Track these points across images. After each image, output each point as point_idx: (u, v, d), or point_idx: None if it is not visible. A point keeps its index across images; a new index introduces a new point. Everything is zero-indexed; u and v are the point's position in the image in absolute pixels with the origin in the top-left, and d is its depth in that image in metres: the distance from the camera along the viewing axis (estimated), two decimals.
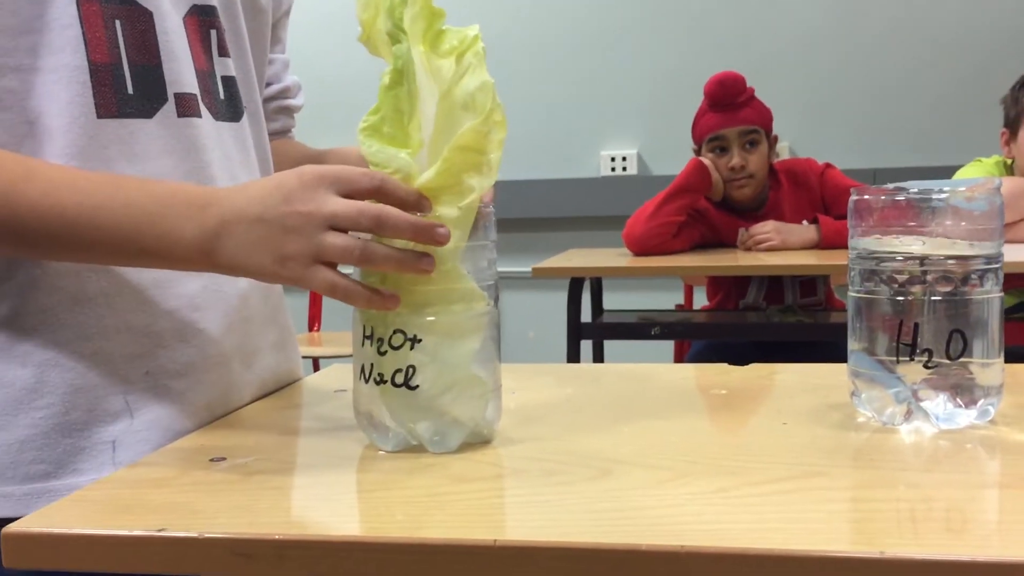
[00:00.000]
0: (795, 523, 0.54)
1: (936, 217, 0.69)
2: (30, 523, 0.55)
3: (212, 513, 0.57)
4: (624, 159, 3.45)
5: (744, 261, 2.31)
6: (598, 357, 2.60)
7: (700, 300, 2.79)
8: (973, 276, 0.68)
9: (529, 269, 2.35)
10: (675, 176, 2.47)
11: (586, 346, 2.46)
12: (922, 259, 0.68)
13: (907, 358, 0.69)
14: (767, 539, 0.51)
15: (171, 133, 0.75)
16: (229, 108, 0.83)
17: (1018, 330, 2.29)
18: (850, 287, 0.73)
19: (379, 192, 0.65)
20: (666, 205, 2.40)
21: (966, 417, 0.70)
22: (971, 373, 0.69)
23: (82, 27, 0.71)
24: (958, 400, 0.69)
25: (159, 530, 0.53)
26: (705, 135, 2.46)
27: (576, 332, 2.31)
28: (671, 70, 3.33)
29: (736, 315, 2.47)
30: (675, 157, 2.59)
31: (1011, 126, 2.40)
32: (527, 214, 3.36)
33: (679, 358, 2.74)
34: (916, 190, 0.70)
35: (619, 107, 3.43)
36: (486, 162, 0.65)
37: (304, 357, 3.45)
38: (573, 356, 2.33)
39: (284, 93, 0.99)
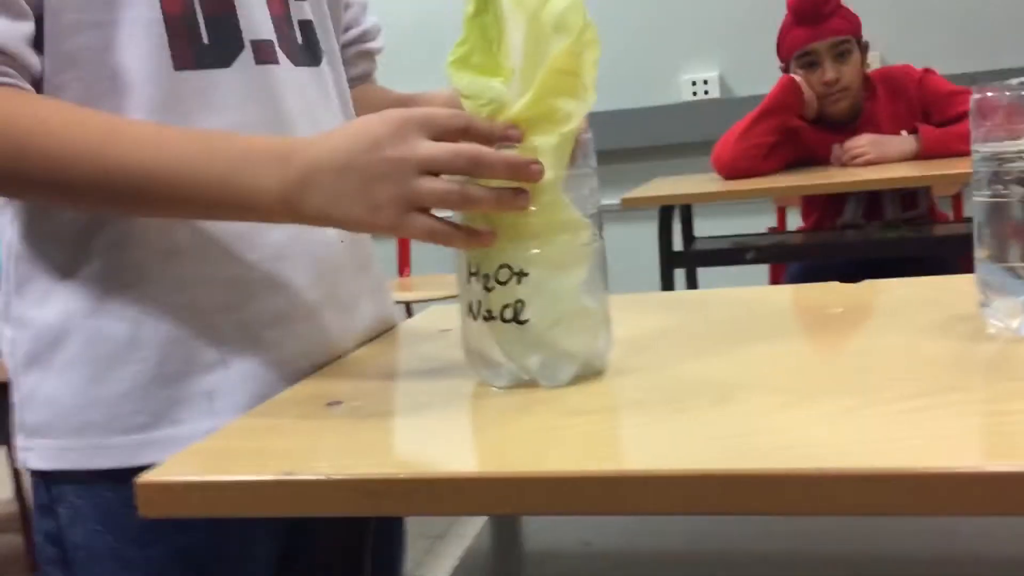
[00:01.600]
0: (931, 440, 0.52)
1: None
2: (163, 472, 0.56)
3: (336, 455, 0.57)
4: (706, 82, 3.35)
5: (839, 178, 2.23)
6: (691, 286, 2.56)
7: (794, 223, 2.71)
8: None
9: (617, 201, 2.32)
10: (760, 98, 2.38)
11: (680, 275, 2.43)
12: None
13: None
14: (902, 458, 0.49)
15: (250, 81, 0.75)
16: (307, 52, 0.82)
17: None
18: (975, 192, 0.69)
19: (467, 132, 0.63)
20: (756, 126, 2.33)
21: None
22: None
23: None
24: None
25: (287, 473, 0.53)
26: (793, 51, 2.36)
27: (669, 261, 2.28)
28: None
29: (834, 234, 2.40)
30: (759, 78, 2.51)
31: None
32: (609, 145, 3.30)
33: (776, 282, 2.68)
34: None
35: (697, 28, 3.33)
36: (582, 84, 0.63)
37: (397, 302, 3.50)
38: (667, 286, 2.30)
39: (363, 36, 0.97)
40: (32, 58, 0.68)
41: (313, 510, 0.54)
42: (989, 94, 0.67)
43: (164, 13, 0.71)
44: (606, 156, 3.32)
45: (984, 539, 0.86)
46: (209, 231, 0.73)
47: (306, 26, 0.82)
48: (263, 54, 0.76)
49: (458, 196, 0.63)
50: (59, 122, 0.66)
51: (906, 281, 0.91)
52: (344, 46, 0.93)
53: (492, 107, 0.63)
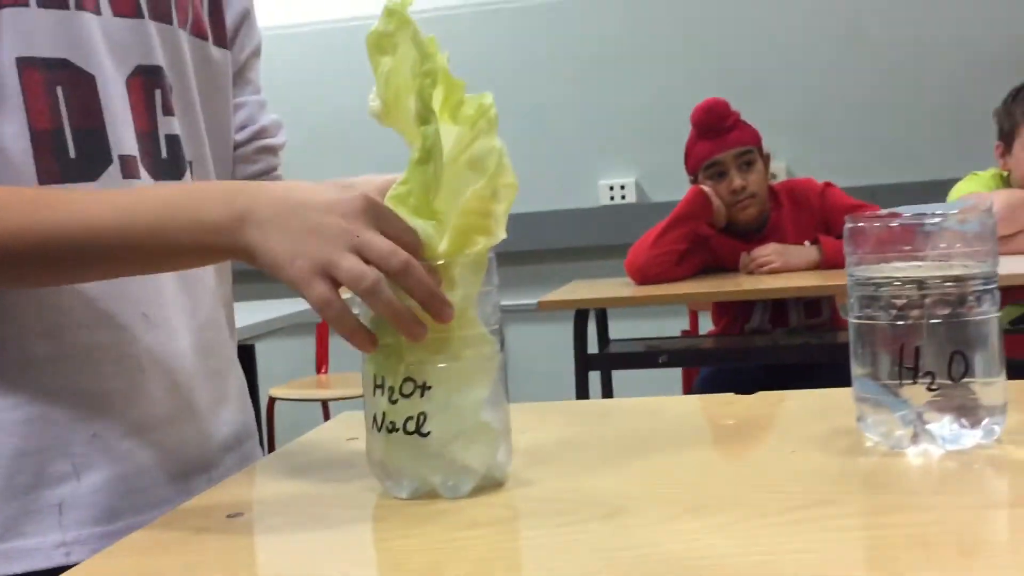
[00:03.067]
0: (808, 552, 0.55)
1: (931, 241, 0.70)
2: None
3: (236, 569, 0.57)
4: (623, 187, 3.47)
5: (747, 285, 2.32)
6: (607, 386, 2.60)
7: (706, 324, 2.80)
8: (970, 297, 0.69)
9: (533, 302, 2.37)
10: (674, 203, 2.49)
11: (595, 376, 2.47)
12: (919, 283, 0.69)
13: (910, 381, 0.70)
14: (781, 571, 0.52)
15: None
16: (171, 166, 0.83)
17: (1021, 343, 2.29)
18: (850, 313, 0.74)
19: (412, 248, 0.65)
20: (668, 234, 2.42)
21: (972, 438, 0.70)
22: (974, 393, 0.70)
23: (24, 95, 0.73)
24: (963, 421, 0.70)
25: None
26: (701, 163, 2.48)
27: (584, 364, 2.32)
28: (665, 97, 3.36)
29: (742, 339, 2.48)
30: (673, 184, 2.62)
31: (1005, 139, 2.42)
32: (528, 247, 3.38)
33: (688, 383, 2.75)
34: (910, 215, 0.71)
35: (615, 136, 3.46)
36: (492, 222, 0.66)
37: (313, 400, 3.46)
38: (582, 387, 2.33)
39: (262, 133, 0.99)
40: None
41: None
42: (861, 223, 0.73)
43: (31, 130, 0.73)
44: (526, 256, 3.42)
45: None
46: (70, 342, 0.74)
47: (172, 140, 0.84)
48: (129, 169, 0.78)
49: (369, 283, 0.63)
50: None
51: (796, 394, 0.95)
52: (243, 143, 0.95)
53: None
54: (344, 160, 3.39)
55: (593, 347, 2.47)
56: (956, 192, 2.47)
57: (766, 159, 2.52)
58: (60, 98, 0.74)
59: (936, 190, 2.55)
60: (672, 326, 3.05)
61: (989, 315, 0.70)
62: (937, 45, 3.23)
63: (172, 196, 0.70)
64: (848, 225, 0.74)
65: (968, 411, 0.70)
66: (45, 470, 0.72)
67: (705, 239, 2.50)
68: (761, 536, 0.57)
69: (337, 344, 3.41)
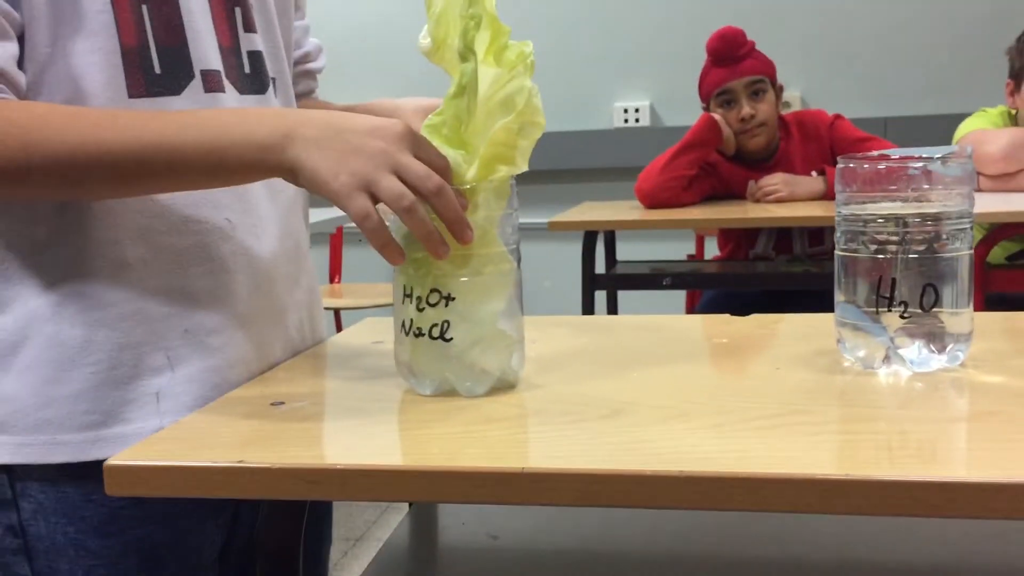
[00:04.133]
0: (781, 452, 0.63)
1: (913, 182, 0.77)
2: (128, 456, 0.65)
3: (280, 447, 0.66)
4: (637, 111, 3.50)
5: (753, 213, 2.39)
6: (612, 306, 2.69)
7: (712, 249, 2.87)
8: (944, 235, 0.76)
9: (545, 221, 2.43)
10: (688, 128, 2.53)
11: (601, 295, 2.55)
12: (899, 220, 0.76)
13: (886, 309, 0.77)
14: (755, 466, 0.60)
15: (199, 108, 0.81)
16: (255, 81, 0.88)
17: (1020, 277, 2.36)
18: (837, 246, 0.81)
19: (442, 172, 0.72)
20: (677, 159, 2.47)
21: (938, 361, 0.78)
22: (942, 322, 0.77)
23: (114, 12, 0.77)
24: (931, 346, 0.78)
25: (238, 462, 0.62)
26: (712, 90, 2.52)
27: (590, 283, 2.40)
28: (681, 21, 3.36)
29: (746, 265, 2.55)
30: (687, 109, 2.65)
31: (1016, 77, 2.45)
32: (542, 166, 3.40)
33: (691, 306, 2.83)
34: (896, 157, 0.78)
35: (631, 59, 3.48)
36: (516, 153, 0.73)
37: (325, 308, 3.54)
38: (588, 306, 2.42)
39: (305, 58, 1.05)
40: (19, 76, 0.75)
41: (260, 493, 0.63)
42: (851, 164, 0.80)
43: (121, 45, 0.78)
44: (539, 176, 3.46)
45: (886, 543, 0.98)
46: (160, 245, 0.80)
47: (255, 56, 0.89)
48: (211, 83, 0.83)
49: (408, 203, 0.70)
50: (57, 117, 0.73)
51: (786, 317, 1.03)
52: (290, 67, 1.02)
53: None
54: (366, 78, 3.43)
55: (601, 267, 2.55)
56: (964, 128, 2.51)
57: (778, 90, 2.55)
58: (145, 15, 0.79)
59: (947, 123, 2.59)
60: (679, 249, 3.12)
61: (960, 252, 0.77)
62: None
63: (224, 117, 0.76)
64: (839, 165, 0.80)
65: (936, 338, 0.78)
66: (143, 362, 0.79)
67: (714, 166, 2.55)
68: (740, 437, 0.66)
69: (349, 255, 3.50)
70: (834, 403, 0.75)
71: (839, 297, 0.82)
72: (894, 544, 0.96)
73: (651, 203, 2.48)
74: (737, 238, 2.60)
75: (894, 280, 0.77)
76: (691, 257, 3.01)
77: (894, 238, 0.77)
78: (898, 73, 3.29)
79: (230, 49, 0.86)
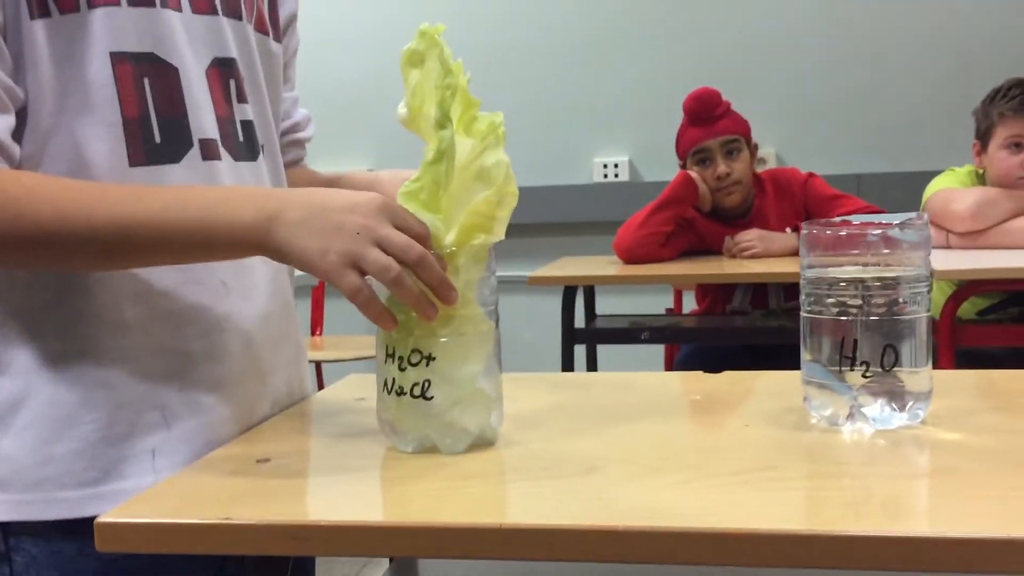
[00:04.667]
0: (749, 506, 0.66)
1: (872, 248, 0.81)
2: (118, 514, 0.67)
3: (266, 504, 0.68)
4: (616, 166, 3.57)
5: (729, 268, 2.43)
6: (591, 360, 2.72)
7: (690, 303, 2.91)
8: (902, 299, 0.80)
9: (525, 275, 2.47)
10: (666, 183, 2.59)
11: (581, 349, 2.58)
12: (859, 284, 0.80)
13: (848, 368, 0.81)
14: (723, 519, 0.63)
15: (196, 175, 0.85)
16: (247, 148, 0.92)
17: (989, 332, 2.41)
18: (802, 308, 0.85)
19: (421, 239, 0.75)
20: (655, 216, 2.52)
21: (899, 419, 0.82)
22: (902, 381, 0.81)
23: (116, 86, 0.81)
24: (892, 404, 0.81)
25: (225, 518, 0.64)
26: (689, 149, 2.58)
27: (570, 337, 2.43)
28: (661, 80, 3.45)
29: (723, 319, 2.59)
30: (666, 164, 2.71)
31: (982, 138, 2.52)
32: (522, 220, 3.44)
33: (670, 359, 2.87)
34: (858, 223, 0.82)
35: (611, 115, 3.55)
36: (494, 224, 0.77)
37: (308, 361, 3.55)
38: (568, 360, 2.45)
39: (294, 128, 1.09)
40: (13, 148, 0.78)
41: (247, 549, 0.65)
42: (814, 230, 0.84)
43: (123, 116, 0.81)
44: (519, 229, 3.48)
45: None
46: (158, 306, 0.83)
47: (247, 125, 0.93)
48: (208, 151, 0.87)
49: (394, 274, 0.74)
50: (47, 189, 0.76)
51: (757, 374, 1.06)
52: (279, 135, 1.05)
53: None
54: (348, 139, 3.48)
55: (581, 321, 2.58)
56: (933, 186, 2.58)
57: (753, 149, 2.62)
58: (147, 88, 0.82)
59: (918, 181, 2.66)
60: (658, 303, 3.16)
61: (919, 314, 0.81)
62: (927, 40, 3.32)
63: (209, 197, 0.79)
64: (804, 231, 0.84)
65: (896, 396, 0.81)
66: (139, 420, 0.82)
67: (691, 222, 2.61)
68: (710, 492, 0.69)
69: (331, 308, 3.52)
70: (801, 459, 0.78)
71: (805, 356, 0.85)
72: None
73: (629, 258, 2.53)
74: (714, 293, 2.65)
75: (856, 341, 0.80)
76: (669, 311, 3.05)
77: (855, 300, 0.80)
78: (871, 132, 3.38)
79: (226, 119, 0.90)
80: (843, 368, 0.81)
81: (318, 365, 3.33)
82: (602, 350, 2.76)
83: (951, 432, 0.81)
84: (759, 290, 2.58)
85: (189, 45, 0.86)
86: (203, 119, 0.87)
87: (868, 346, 0.80)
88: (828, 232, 0.83)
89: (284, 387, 0.96)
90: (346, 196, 0.77)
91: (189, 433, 0.83)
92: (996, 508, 0.64)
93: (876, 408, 0.81)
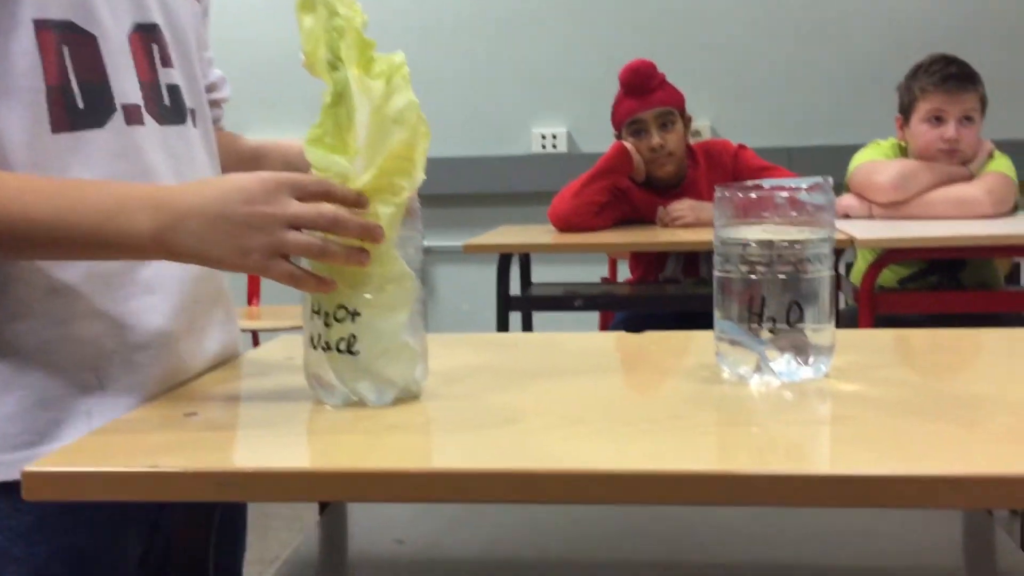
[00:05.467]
0: (661, 451, 0.70)
1: (779, 210, 0.85)
2: (46, 463, 0.68)
3: (193, 453, 0.70)
4: (555, 136, 3.60)
5: (662, 237, 2.49)
6: (527, 328, 2.75)
7: (624, 273, 2.96)
8: (807, 258, 0.84)
9: (461, 244, 2.50)
10: (603, 154, 2.63)
11: (516, 318, 2.62)
12: (767, 244, 0.84)
13: (756, 325, 0.85)
14: (633, 463, 0.67)
15: (120, 140, 0.86)
16: (174, 112, 0.93)
17: (909, 299, 2.51)
18: (715, 268, 0.89)
19: (328, 196, 0.77)
20: (589, 185, 2.56)
21: (804, 372, 0.86)
22: (806, 336, 0.85)
23: (40, 54, 0.81)
24: (797, 359, 0.86)
25: (152, 466, 0.66)
26: (624, 120, 2.62)
27: (505, 304, 2.46)
28: (599, 52, 3.48)
29: (655, 287, 2.65)
30: (604, 136, 2.74)
31: (904, 112, 2.60)
32: (460, 190, 3.49)
33: (604, 327, 2.92)
34: (767, 187, 0.86)
35: (549, 86, 3.57)
36: (413, 167, 0.79)
37: (244, 330, 3.55)
38: (503, 328, 2.48)
39: (211, 88, 1.09)
40: None
41: (172, 496, 0.67)
42: (726, 193, 0.87)
43: (46, 84, 0.82)
44: (457, 199, 3.55)
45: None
46: (88, 270, 0.84)
47: (173, 90, 0.93)
48: (132, 116, 0.87)
49: (318, 249, 0.76)
50: None
51: (675, 334, 1.11)
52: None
53: (339, 179, 0.79)
54: (278, 105, 3.45)
55: (517, 290, 2.62)
56: (857, 158, 2.66)
57: (687, 120, 2.67)
58: (66, 56, 0.83)
59: (846, 153, 2.73)
60: (594, 273, 3.21)
61: (822, 273, 0.85)
62: (857, 17, 3.41)
63: (108, 204, 0.79)
64: (716, 195, 0.88)
65: (801, 351, 0.86)
66: (73, 383, 0.83)
67: (625, 192, 2.65)
68: (624, 439, 0.72)
69: (267, 280, 3.51)
70: (711, 409, 0.82)
71: (717, 314, 0.89)
72: (766, 542, 1.03)
73: (564, 227, 2.56)
74: (647, 262, 2.70)
75: (763, 298, 0.85)
76: (605, 280, 3.10)
77: (763, 260, 0.84)
78: (801, 106, 3.46)
79: (150, 84, 0.90)
80: (752, 324, 0.85)
81: (255, 334, 3.32)
82: (537, 319, 2.79)
83: (851, 384, 0.86)
84: (691, 259, 2.64)
85: (110, 12, 0.86)
86: (125, 85, 0.87)
87: (775, 303, 0.85)
88: (739, 194, 0.86)
89: (218, 347, 0.98)
90: (241, 187, 0.77)
91: (123, 392, 0.85)
92: (888, 450, 0.69)
93: (782, 362, 0.86)
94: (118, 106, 0.86)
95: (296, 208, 0.76)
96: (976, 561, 1.03)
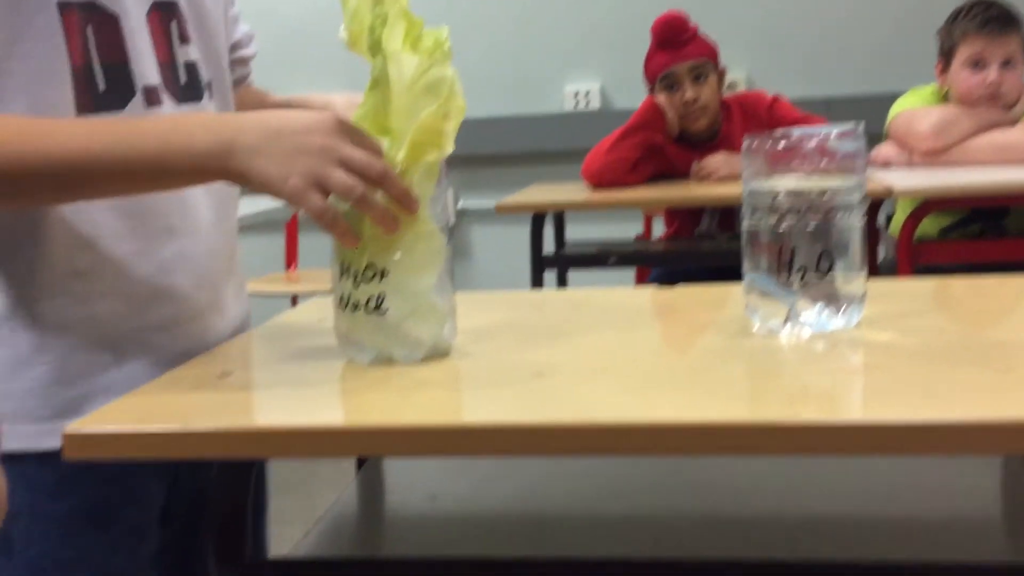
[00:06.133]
0: (689, 402, 0.70)
1: (809, 158, 0.84)
2: (84, 425, 0.70)
3: (229, 411, 0.72)
4: (587, 94, 3.56)
5: (697, 192, 2.46)
6: (562, 286, 2.75)
7: (659, 231, 2.94)
8: (836, 207, 0.83)
9: (494, 204, 2.49)
10: (636, 111, 2.60)
11: (551, 277, 2.62)
12: (796, 194, 0.83)
13: (786, 275, 0.84)
14: (664, 414, 0.67)
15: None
16: (191, 90, 0.93)
17: (950, 248, 2.46)
18: (744, 219, 0.88)
19: (382, 176, 0.77)
20: (622, 141, 2.54)
21: (835, 323, 0.85)
22: (836, 286, 0.84)
23: (65, 34, 0.81)
24: (828, 309, 0.85)
25: (187, 426, 0.68)
26: (656, 73, 2.58)
27: (539, 263, 2.46)
28: (631, 6, 3.42)
29: (690, 243, 2.63)
30: (637, 91, 2.71)
31: (945, 57, 2.54)
32: (493, 150, 3.48)
33: (640, 284, 2.91)
34: (796, 135, 0.85)
35: (581, 42, 3.53)
36: (443, 137, 0.79)
37: (282, 294, 3.59)
38: (537, 286, 2.48)
39: (236, 46, 1.08)
40: None
41: (208, 454, 0.69)
42: (754, 143, 0.86)
43: (72, 65, 0.82)
44: (490, 160, 3.54)
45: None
46: (107, 252, 0.85)
47: (190, 67, 0.94)
48: (151, 98, 0.88)
49: (360, 194, 0.76)
50: (0, 128, 0.77)
51: (707, 287, 1.10)
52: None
53: None
54: (309, 68, 3.45)
55: (551, 250, 2.61)
56: (897, 106, 2.60)
57: (720, 73, 2.62)
58: (90, 36, 0.83)
59: (885, 102, 2.67)
60: (629, 230, 3.19)
61: (852, 222, 0.84)
62: None
63: (163, 125, 0.80)
64: (744, 145, 0.87)
65: (832, 300, 0.85)
66: (94, 361, 0.85)
67: (659, 147, 2.62)
68: (651, 391, 0.73)
69: (305, 242, 3.53)
70: (742, 361, 0.82)
71: (747, 266, 0.88)
72: (799, 494, 1.03)
73: (597, 183, 2.55)
74: (682, 217, 2.68)
75: (793, 249, 0.84)
76: (639, 237, 3.08)
77: (792, 210, 0.83)
78: (839, 55, 3.38)
79: (167, 64, 0.91)
80: (781, 275, 0.85)
81: (294, 299, 3.35)
82: (572, 278, 2.79)
83: (883, 333, 0.86)
84: (726, 214, 2.61)
85: None
86: (145, 65, 0.88)
87: (805, 254, 0.84)
88: (767, 145, 0.85)
89: (236, 319, 0.99)
90: (303, 117, 0.78)
91: (144, 371, 0.86)
92: (920, 398, 0.69)
93: (813, 313, 0.85)
94: (138, 88, 0.87)
95: (351, 150, 0.76)
96: (1014, 510, 1.02)
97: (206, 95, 0.96)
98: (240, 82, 1.11)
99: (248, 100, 1.09)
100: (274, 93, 1.14)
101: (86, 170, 0.78)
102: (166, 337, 0.88)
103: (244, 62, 1.11)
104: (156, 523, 0.91)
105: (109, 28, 0.85)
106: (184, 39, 0.93)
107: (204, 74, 0.96)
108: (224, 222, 0.98)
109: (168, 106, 0.90)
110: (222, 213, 0.97)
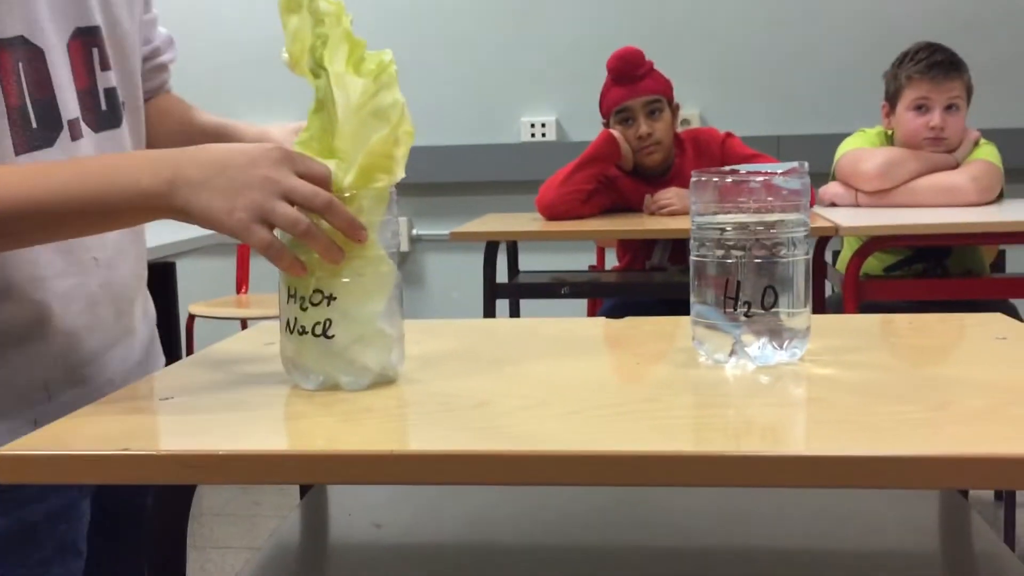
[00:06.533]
0: (634, 434, 0.70)
1: (755, 195, 0.85)
2: (19, 447, 0.68)
3: (166, 436, 0.70)
4: (543, 125, 3.60)
5: (649, 225, 2.49)
6: (515, 316, 2.76)
7: (612, 262, 2.97)
8: (782, 242, 0.85)
9: (448, 232, 2.49)
10: (591, 143, 2.62)
11: (504, 306, 2.62)
12: (742, 228, 0.84)
13: (732, 309, 0.86)
14: (604, 444, 0.67)
15: (67, 157, 0.86)
16: (110, 117, 0.93)
17: (894, 287, 2.52)
18: (691, 252, 0.89)
19: (324, 183, 0.77)
20: (577, 173, 2.56)
21: (779, 356, 0.87)
22: (781, 321, 0.86)
23: (0, 75, 0.81)
24: (773, 343, 0.86)
25: (123, 449, 0.66)
26: (612, 107, 2.62)
27: (492, 292, 2.47)
28: (589, 40, 3.47)
29: (642, 275, 2.65)
30: (593, 124, 2.74)
31: (891, 100, 2.61)
32: (450, 178, 3.49)
33: (592, 315, 2.92)
34: (743, 171, 0.87)
35: (539, 75, 3.57)
36: (393, 163, 0.79)
37: (232, 318, 3.55)
38: (490, 315, 2.48)
39: (155, 53, 1.07)
40: None
41: (146, 479, 0.67)
42: (702, 178, 0.88)
43: (7, 106, 0.81)
44: (446, 188, 3.54)
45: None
46: (41, 291, 0.85)
47: (110, 92, 0.93)
48: (74, 131, 0.88)
49: (304, 227, 0.75)
50: None
51: (653, 319, 1.11)
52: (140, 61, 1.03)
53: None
54: (271, 95, 3.44)
55: (504, 278, 2.62)
56: (844, 147, 2.66)
57: (675, 109, 2.67)
58: (21, 74, 0.82)
59: (833, 141, 2.74)
60: (581, 261, 3.21)
61: (797, 257, 0.86)
62: (847, 6, 3.41)
63: (107, 164, 0.80)
64: (692, 179, 0.88)
65: (776, 335, 0.86)
66: (25, 395, 0.86)
67: (612, 180, 2.65)
68: (596, 421, 0.73)
69: (257, 266, 3.50)
70: (686, 392, 0.83)
71: (694, 299, 0.89)
72: (740, 525, 1.04)
73: (550, 215, 2.57)
74: (634, 250, 2.70)
75: (739, 283, 0.85)
76: (592, 268, 3.11)
77: (738, 244, 0.85)
78: (789, 95, 3.46)
79: (87, 91, 0.90)
80: (727, 309, 0.86)
81: (243, 322, 3.31)
82: (525, 307, 2.80)
83: (825, 368, 0.87)
84: (677, 247, 2.65)
85: (52, 21, 0.86)
86: (66, 98, 0.87)
87: (750, 287, 0.85)
88: (715, 180, 0.87)
89: (144, 344, 1.00)
90: (245, 150, 0.77)
91: (69, 402, 0.86)
92: (860, 431, 0.69)
93: (757, 346, 0.86)
94: (64, 123, 0.86)
95: (295, 181, 0.76)
96: (951, 544, 1.04)
97: (124, 121, 0.95)
98: (158, 89, 1.09)
99: (171, 109, 1.07)
100: (202, 111, 1.12)
101: (32, 215, 0.77)
102: (92, 370, 0.90)
103: (164, 68, 1.09)
104: (86, 538, 0.91)
105: (38, 63, 0.84)
106: (104, 65, 0.92)
107: (121, 95, 0.95)
108: (139, 247, 0.99)
109: (88, 137, 0.90)
110: (136, 238, 0.98)
